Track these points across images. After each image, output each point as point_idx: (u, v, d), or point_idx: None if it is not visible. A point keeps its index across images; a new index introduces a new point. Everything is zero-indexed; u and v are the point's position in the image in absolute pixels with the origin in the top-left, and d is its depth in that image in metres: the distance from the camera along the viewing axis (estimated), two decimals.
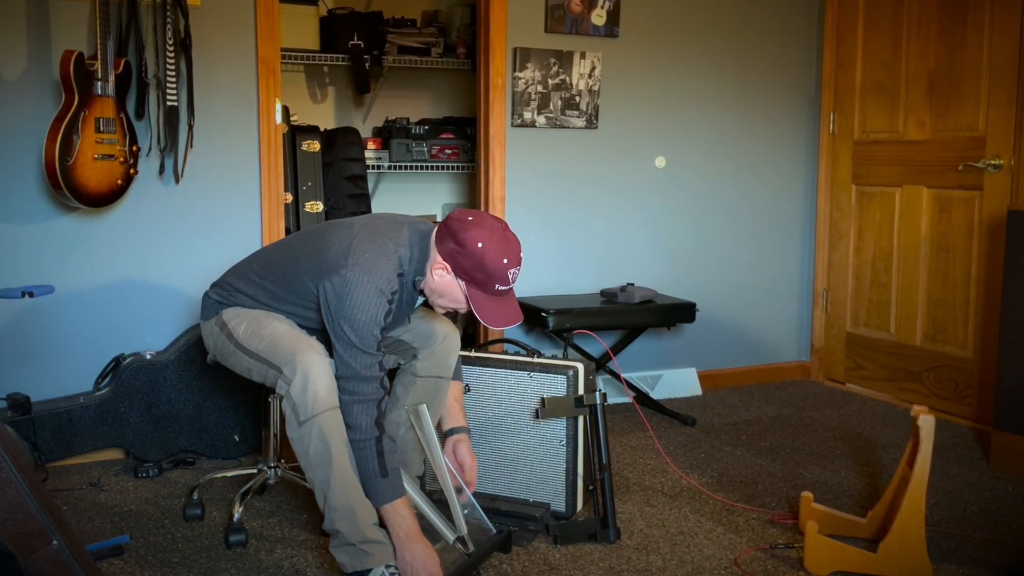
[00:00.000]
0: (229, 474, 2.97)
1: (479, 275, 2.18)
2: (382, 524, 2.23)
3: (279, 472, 2.81)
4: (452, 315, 2.54)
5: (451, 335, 2.54)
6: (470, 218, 2.21)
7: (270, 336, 2.29)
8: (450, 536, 2.32)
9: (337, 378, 2.19)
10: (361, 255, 2.20)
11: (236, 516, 2.57)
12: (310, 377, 2.15)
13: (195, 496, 2.75)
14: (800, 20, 4.33)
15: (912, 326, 3.98)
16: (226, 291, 2.47)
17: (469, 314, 2.28)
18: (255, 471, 2.85)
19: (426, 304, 2.41)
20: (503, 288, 2.21)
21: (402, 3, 4.67)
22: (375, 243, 2.24)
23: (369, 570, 2.18)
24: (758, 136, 4.28)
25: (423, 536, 2.21)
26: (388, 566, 2.19)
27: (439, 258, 2.22)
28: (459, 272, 2.21)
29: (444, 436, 2.57)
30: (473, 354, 2.78)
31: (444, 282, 2.24)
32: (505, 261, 2.18)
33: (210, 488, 2.92)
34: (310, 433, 2.15)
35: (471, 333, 4.29)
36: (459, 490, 2.46)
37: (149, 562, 2.41)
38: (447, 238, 2.21)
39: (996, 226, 3.56)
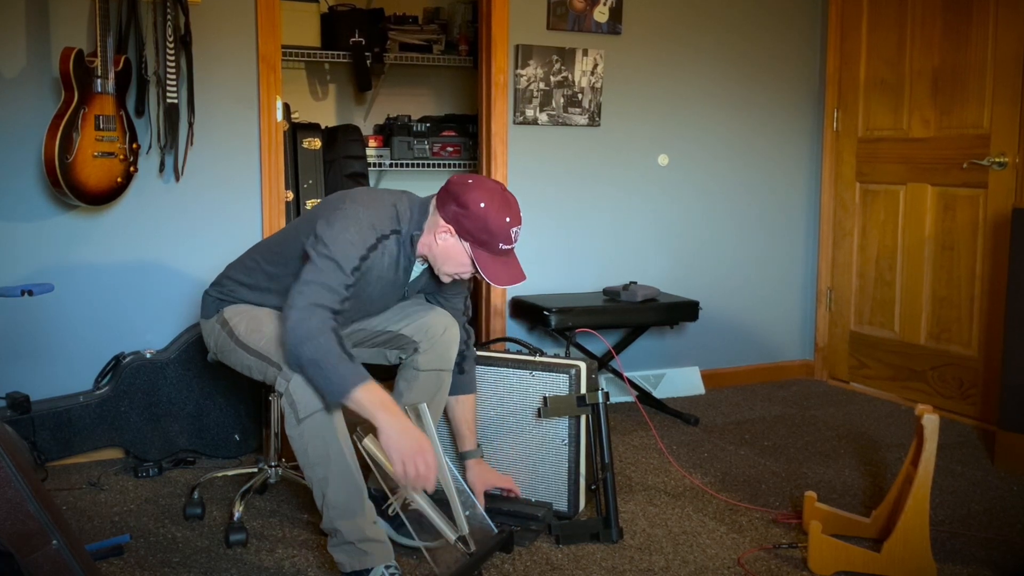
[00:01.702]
0: (229, 473, 2.96)
1: (483, 235, 2.22)
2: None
3: (280, 471, 2.80)
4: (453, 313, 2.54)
5: (451, 328, 2.52)
6: (470, 181, 2.26)
7: (270, 333, 2.28)
8: (451, 536, 2.31)
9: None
10: (359, 196, 2.29)
11: (236, 515, 2.56)
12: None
13: (195, 495, 2.74)
14: (804, 17, 4.31)
15: (916, 325, 3.96)
16: (225, 287, 2.47)
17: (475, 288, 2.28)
18: (255, 470, 2.84)
19: (430, 278, 2.41)
20: (506, 247, 2.25)
21: (403, 0, 4.65)
22: (373, 193, 2.33)
23: (368, 570, 2.17)
24: (761, 133, 4.26)
25: (413, 427, 2.11)
26: (388, 566, 2.18)
27: (442, 222, 2.25)
28: (463, 234, 2.24)
29: (459, 459, 2.64)
30: (475, 353, 2.76)
31: (449, 245, 2.26)
32: (508, 220, 2.22)
33: (210, 487, 2.91)
34: (308, 431, 2.14)
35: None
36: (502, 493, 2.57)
37: (149, 562, 2.40)
38: (449, 202, 2.24)
39: (1001, 224, 3.54)
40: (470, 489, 2.54)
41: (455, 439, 2.67)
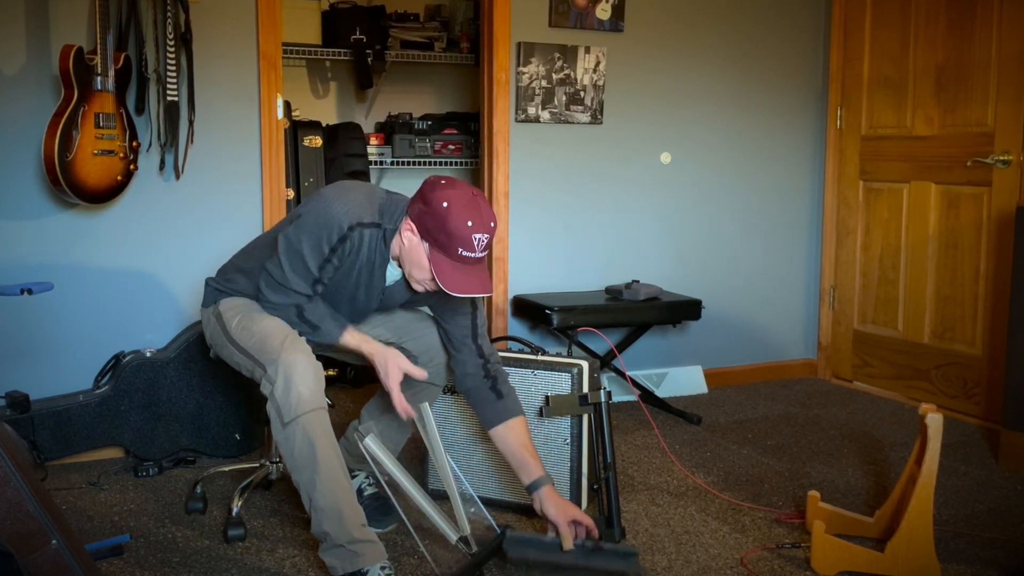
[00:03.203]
0: (232, 468, 2.96)
1: (442, 236, 2.10)
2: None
3: (280, 467, 2.79)
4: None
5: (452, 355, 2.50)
6: (443, 181, 2.16)
7: (259, 332, 2.26)
8: (453, 536, 2.30)
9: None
10: (339, 185, 2.27)
11: (235, 510, 2.56)
12: (292, 378, 2.12)
13: (198, 490, 2.74)
14: (807, 14, 4.29)
15: (920, 323, 3.95)
16: (227, 274, 2.48)
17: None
18: (257, 465, 2.83)
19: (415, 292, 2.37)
20: (468, 255, 2.11)
21: None
22: (357, 184, 2.31)
23: (359, 570, 2.15)
24: (764, 131, 4.25)
25: (385, 347, 2.32)
26: (383, 567, 2.16)
27: (408, 219, 2.17)
28: (424, 233, 2.13)
29: (528, 491, 2.38)
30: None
31: (411, 246, 2.17)
32: (470, 224, 2.08)
33: (212, 486, 2.90)
34: (294, 434, 2.13)
35: None
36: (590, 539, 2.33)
37: (149, 562, 2.39)
38: (417, 200, 2.17)
39: (1005, 222, 3.52)
40: (553, 524, 2.31)
41: (518, 471, 2.39)
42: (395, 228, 2.21)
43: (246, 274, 2.42)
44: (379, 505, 2.59)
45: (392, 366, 2.27)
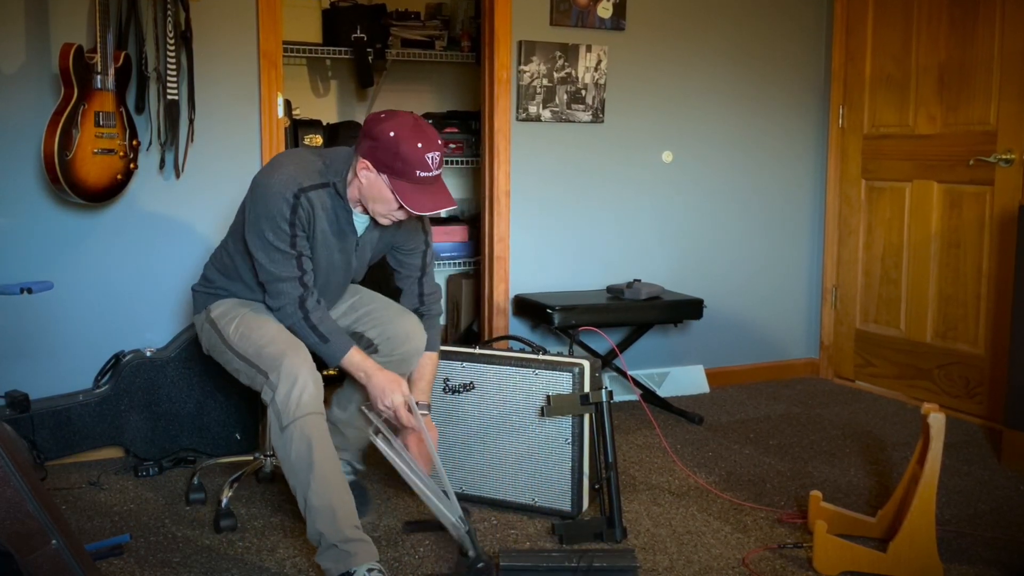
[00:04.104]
0: (229, 460, 2.98)
1: (398, 164, 2.19)
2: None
3: (274, 460, 2.81)
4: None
5: (415, 337, 2.52)
6: (383, 115, 2.24)
7: (258, 340, 2.29)
8: (452, 516, 2.29)
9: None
10: (273, 161, 2.31)
11: (224, 502, 2.59)
12: (296, 382, 2.16)
13: (196, 480, 2.77)
14: (809, 12, 4.28)
15: (922, 323, 3.94)
16: (206, 277, 2.52)
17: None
18: (252, 458, 2.86)
19: (381, 234, 2.41)
20: (425, 175, 2.21)
21: None
22: (291, 153, 2.35)
23: (350, 571, 2.15)
24: (766, 130, 4.24)
25: (383, 369, 2.34)
26: (370, 568, 2.16)
27: (360, 158, 2.24)
28: (380, 167, 2.21)
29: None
30: (477, 351, 2.74)
31: (370, 181, 2.24)
32: (420, 145, 2.18)
33: (213, 484, 2.89)
34: (292, 437, 2.15)
35: (475, 330, 4.26)
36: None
37: (149, 562, 2.39)
38: (363, 138, 2.24)
39: (1007, 221, 3.51)
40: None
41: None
42: (344, 179, 2.29)
43: (224, 273, 2.47)
44: (356, 494, 2.58)
45: (397, 392, 2.31)
